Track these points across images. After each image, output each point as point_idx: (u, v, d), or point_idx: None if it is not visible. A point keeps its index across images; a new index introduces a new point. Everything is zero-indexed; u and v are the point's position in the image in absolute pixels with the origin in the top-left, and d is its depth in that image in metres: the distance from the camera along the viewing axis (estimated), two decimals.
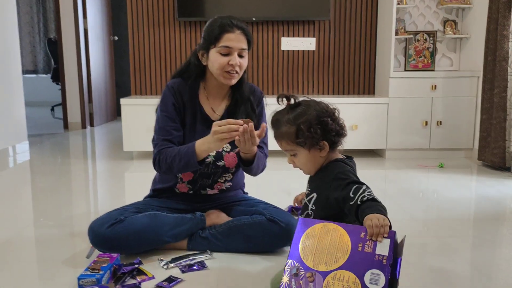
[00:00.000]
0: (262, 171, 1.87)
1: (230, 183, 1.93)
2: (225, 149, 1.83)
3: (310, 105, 1.39)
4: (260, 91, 1.93)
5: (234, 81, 1.77)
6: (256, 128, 1.62)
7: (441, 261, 1.78)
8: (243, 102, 1.84)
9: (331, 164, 1.41)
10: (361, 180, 1.36)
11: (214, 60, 1.73)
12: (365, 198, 1.24)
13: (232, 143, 1.79)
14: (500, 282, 1.62)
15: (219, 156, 1.82)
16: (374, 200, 1.24)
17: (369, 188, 1.28)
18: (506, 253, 1.89)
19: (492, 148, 3.26)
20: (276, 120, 1.42)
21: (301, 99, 1.42)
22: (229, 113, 1.85)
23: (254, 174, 1.83)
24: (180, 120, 1.81)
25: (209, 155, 1.80)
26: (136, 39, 3.94)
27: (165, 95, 1.81)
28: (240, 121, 1.56)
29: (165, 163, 1.71)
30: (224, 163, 1.84)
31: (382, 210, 1.21)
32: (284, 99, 1.41)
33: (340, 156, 1.45)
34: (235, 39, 1.71)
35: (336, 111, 1.42)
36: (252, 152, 1.70)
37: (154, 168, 1.79)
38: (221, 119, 1.82)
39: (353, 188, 1.28)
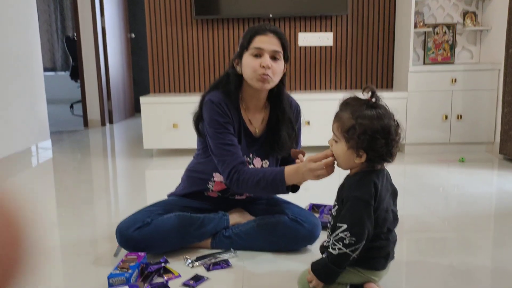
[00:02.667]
0: None
1: None
2: (264, 165, 1.82)
3: (382, 116, 1.31)
4: (296, 104, 1.88)
5: (267, 86, 1.70)
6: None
7: (461, 256, 1.78)
8: (284, 121, 1.79)
9: (357, 178, 1.38)
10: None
11: (246, 64, 1.69)
12: (329, 249, 1.34)
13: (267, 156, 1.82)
14: None
15: None
16: (330, 257, 1.33)
17: (345, 231, 1.30)
18: None
19: None
20: (346, 103, 1.38)
21: (383, 103, 1.36)
22: (269, 131, 1.81)
23: None
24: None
25: None
26: (154, 37, 3.97)
27: (213, 112, 1.69)
28: (330, 152, 1.46)
29: (246, 185, 1.65)
30: None
31: (322, 275, 1.35)
32: (370, 93, 1.36)
33: (378, 167, 1.40)
34: (267, 41, 1.67)
35: (398, 137, 1.35)
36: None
37: (230, 185, 1.71)
38: (262, 137, 1.81)
39: (336, 224, 1.34)
